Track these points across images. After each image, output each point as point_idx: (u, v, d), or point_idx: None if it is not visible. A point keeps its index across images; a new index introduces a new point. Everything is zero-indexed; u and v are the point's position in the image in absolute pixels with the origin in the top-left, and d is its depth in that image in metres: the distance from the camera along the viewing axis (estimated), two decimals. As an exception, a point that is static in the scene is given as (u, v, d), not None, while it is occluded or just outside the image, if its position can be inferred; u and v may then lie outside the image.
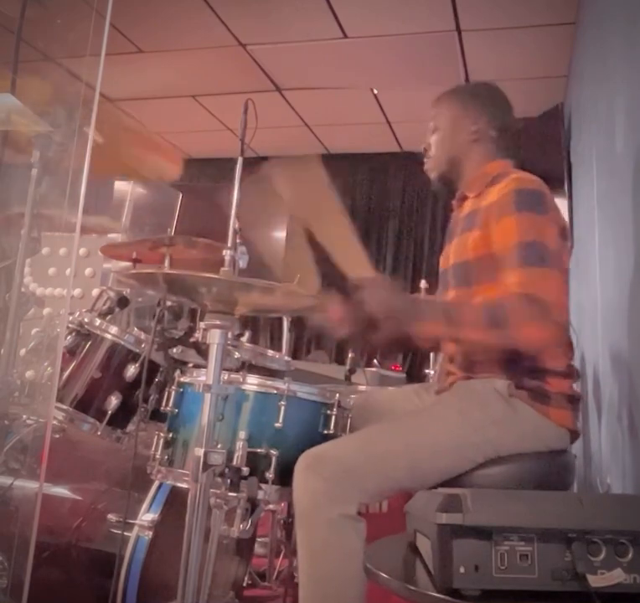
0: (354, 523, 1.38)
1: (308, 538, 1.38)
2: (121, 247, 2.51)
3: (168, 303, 1.87)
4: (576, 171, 3.44)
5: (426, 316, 1.48)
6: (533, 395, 1.48)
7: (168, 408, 1.69)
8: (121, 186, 5.36)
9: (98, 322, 2.00)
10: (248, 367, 2.10)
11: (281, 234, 5.86)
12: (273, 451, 1.55)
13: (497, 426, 1.46)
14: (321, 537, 1.36)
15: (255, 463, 1.54)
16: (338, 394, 1.67)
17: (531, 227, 1.47)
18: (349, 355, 3.08)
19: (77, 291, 4.13)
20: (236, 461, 1.51)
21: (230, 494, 1.50)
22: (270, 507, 1.85)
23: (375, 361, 3.99)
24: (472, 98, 1.71)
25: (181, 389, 1.70)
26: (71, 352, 1.98)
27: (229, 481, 1.47)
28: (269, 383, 1.63)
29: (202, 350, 1.83)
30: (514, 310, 1.40)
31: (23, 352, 2.48)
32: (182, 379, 1.70)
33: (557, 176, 3.40)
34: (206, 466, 1.40)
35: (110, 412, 1.91)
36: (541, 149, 3.56)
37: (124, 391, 1.94)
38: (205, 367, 1.51)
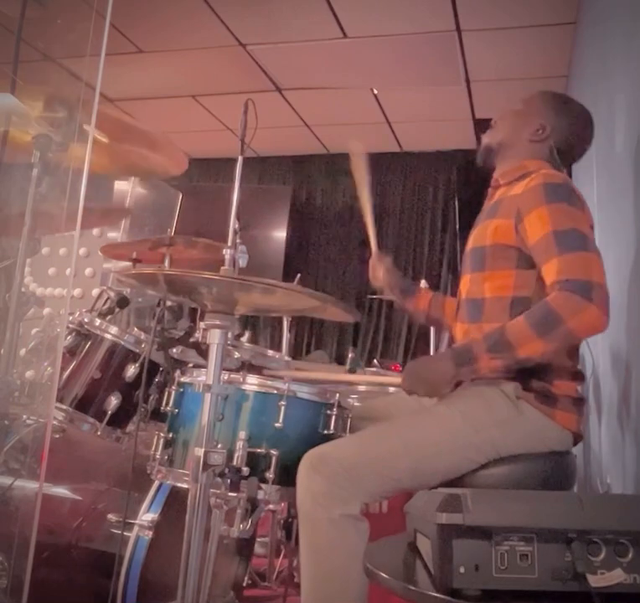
0: (356, 522, 1.38)
1: (310, 538, 1.38)
2: (121, 247, 2.51)
3: (168, 303, 1.87)
4: (576, 171, 3.45)
5: (477, 360, 1.45)
6: (539, 397, 1.48)
7: (168, 408, 1.69)
8: (121, 186, 5.36)
9: (98, 322, 2.00)
10: (248, 367, 2.10)
11: (281, 234, 5.88)
12: (273, 451, 1.55)
13: (499, 427, 1.46)
14: (323, 537, 1.36)
15: (255, 463, 1.54)
16: (338, 394, 1.67)
17: (564, 216, 1.47)
18: (349, 355, 3.08)
19: (77, 291, 4.13)
20: (236, 461, 1.51)
21: (230, 494, 1.50)
22: (271, 507, 1.85)
23: (375, 361, 3.99)
24: (558, 108, 1.72)
25: (181, 389, 1.70)
26: (71, 352, 1.98)
27: (229, 481, 1.46)
28: (269, 383, 1.63)
29: (202, 350, 1.83)
30: (560, 303, 1.38)
31: (23, 352, 2.47)
32: (182, 379, 1.70)
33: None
34: (206, 466, 1.40)
35: (110, 412, 1.91)
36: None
37: (124, 391, 1.93)
38: (205, 367, 1.51)
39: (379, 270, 1.97)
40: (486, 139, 1.77)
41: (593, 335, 1.46)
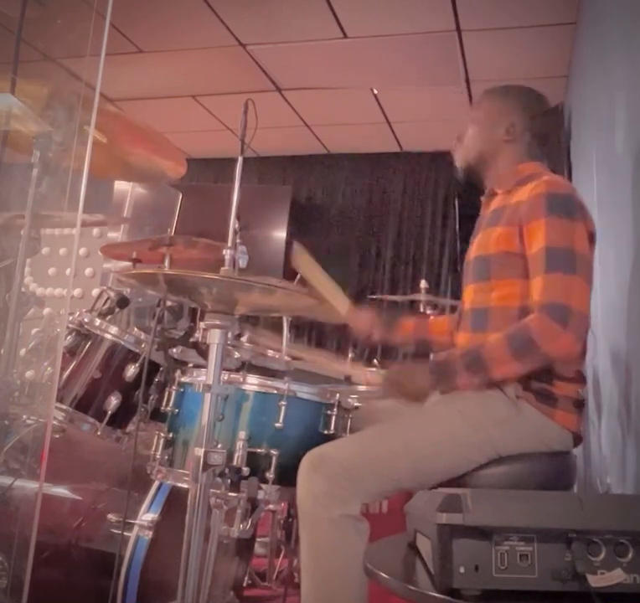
0: (356, 523, 1.38)
1: (311, 538, 1.38)
2: (121, 247, 2.51)
3: (168, 303, 1.87)
4: (576, 171, 3.44)
5: (455, 376, 1.47)
6: (539, 397, 1.48)
7: (168, 408, 1.69)
8: (121, 186, 5.37)
9: (98, 322, 2.00)
10: (248, 367, 2.10)
11: (281, 234, 5.88)
12: (273, 451, 1.55)
13: (498, 427, 1.46)
14: (323, 537, 1.36)
15: (255, 463, 1.54)
16: (338, 394, 1.67)
17: (560, 232, 1.46)
18: (349, 355, 3.08)
19: (77, 291, 4.14)
20: (236, 461, 1.51)
21: (230, 494, 1.50)
22: (271, 507, 1.85)
23: (375, 361, 3.98)
24: (515, 100, 1.71)
25: (181, 389, 1.70)
26: (71, 352, 1.98)
27: (229, 481, 1.47)
28: (269, 383, 1.63)
29: (202, 350, 1.83)
30: (538, 328, 1.40)
31: (23, 352, 2.47)
32: (182, 379, 1.70)
33: (557, 176, 3.40)
34: (206, 466, 1.40)
35: (110, 412, 1.90)
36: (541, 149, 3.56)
37: (124, 391, 1.93)
38: (205, 367, 1.51)
39: (359, 321, 1.93)
40: (461, 156, 1.75)
41: (566, 359, 1.49)
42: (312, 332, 6.00)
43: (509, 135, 1.68)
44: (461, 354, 1.49)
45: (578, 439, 1.53)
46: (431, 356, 1.86)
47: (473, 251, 1.68)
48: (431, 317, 1.96)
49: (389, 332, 1.92)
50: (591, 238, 1.53)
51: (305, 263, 1.98)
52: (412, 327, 1.93)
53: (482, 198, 1.76)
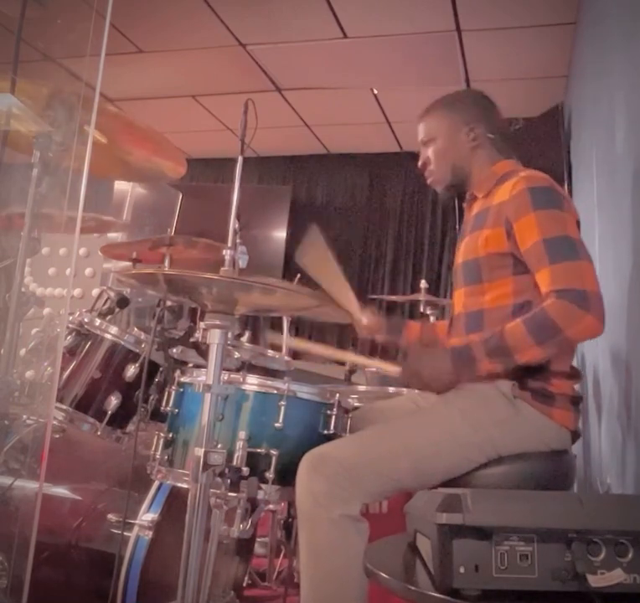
0: (356, 523, 1.38)
1: (310, 539, 1.38)
2: (121, 247, 2.51)
3: (168, 303, 1.87)
4: (576, 171, 3.45)
5: (477, 361, 1.47)
6: (536, 396, 1.49)
7: (168, 408, 1.69)
8: (121, 186, 5.37)
9: (98, 322, 2.00)
10: (248, 367, 2.09)
11: (281, 234, 5.88)
12: (273, 451, 1.55)
13: (498, 427, 1.46)
14: (323, 537, 1.36)
15: (255, 463, 1.54)
16: (338, 394, 1.67)
17: (551, 222, 1.48)
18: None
19: (77, 291, 4.14)
20: (236, 461, 1.51)
21: (230, 494, 1.50)
22: (271, 507, 1.85)
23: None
24: (460, 106, 1.72)
25: (181, 389, 1.70)
26: (71, 352, 1.98)
27: (229, 481, 1.46)
28: (269, 383, 1.63)
29: (202, 350, 1.83)
30: (558, 312, 1.40)
31: (23, 352, 2.47)
32: (182, 379, 1.70)
33: (557, 176, 3.40)
34: (206, 466, 1.40)
35: (110, 412, 1.91)
36: (541, 149, 3.56)
37: (124, 391, 1.93)
38: (205, 367, 1.51)
39: (367, 320, 1.92)
40: (437, 180, 1.73)
41: (589, 339, 1.49)
42: (313, 333, 6.01)
43: (473, 141, 1.68)
44: (482, 341, 1.48)
45: (576, 436, 1.53)
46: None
47: (460, 256, 1.69)
48: (437, 321, 1.96)
49: (395, 334, 1.91)
50: (577, 226, 1.54)
51: (315, 252, 1.90)
52: (419, 329, 1.93)
53: (465, 204, 1.77)
